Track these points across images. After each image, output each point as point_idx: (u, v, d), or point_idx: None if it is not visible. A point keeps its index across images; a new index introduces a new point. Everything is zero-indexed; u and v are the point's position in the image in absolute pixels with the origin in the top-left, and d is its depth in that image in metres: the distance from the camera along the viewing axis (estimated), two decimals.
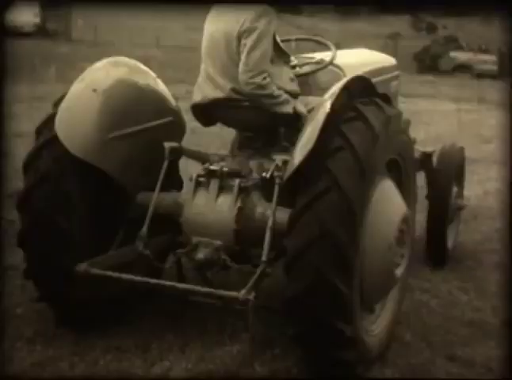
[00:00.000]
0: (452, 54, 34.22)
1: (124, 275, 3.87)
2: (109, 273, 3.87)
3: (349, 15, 62.82)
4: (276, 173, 3.89)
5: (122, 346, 4.10)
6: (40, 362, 3.92)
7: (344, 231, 3.42)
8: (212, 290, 3.75)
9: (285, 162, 3.82)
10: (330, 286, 3.43)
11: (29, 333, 4.19)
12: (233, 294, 3.59)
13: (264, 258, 3.73)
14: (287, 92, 4.21)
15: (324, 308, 3.49)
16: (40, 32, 33.53)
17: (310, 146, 3.51)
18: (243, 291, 3.54)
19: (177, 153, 4.29)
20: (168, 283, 3.91)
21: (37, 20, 34.78)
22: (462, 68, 32.83)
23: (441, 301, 4.98)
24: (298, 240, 3.50)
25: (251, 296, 3.53)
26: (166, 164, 4.21)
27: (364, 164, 3.50)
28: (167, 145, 4.21)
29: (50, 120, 4.05)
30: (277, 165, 3.90)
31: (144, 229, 4.05)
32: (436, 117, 14.53)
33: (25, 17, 31.93)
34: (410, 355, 4.18)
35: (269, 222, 3.81)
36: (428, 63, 34.71)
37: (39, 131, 4.14)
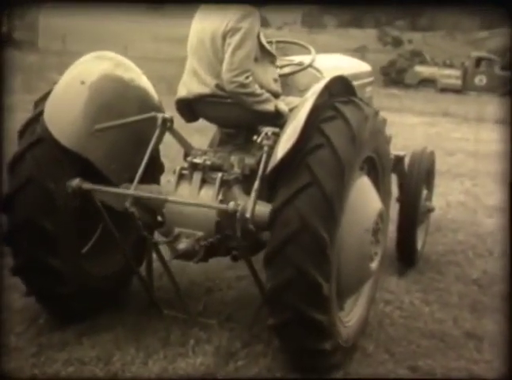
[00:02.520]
0: (417, 68, 34.68)
1: (116, 190, 4.10)
2: (101, 188, 4.08)
3: (315, 28, 63.38)
4: (265, 142, 3.97)
5: (84, 358, 4.04)
6: None
7: (323, 223, 3.55)
8: (202, 202, 4.05)
9: (274, 133, 3.94)
10: (308, 278, 3.56)
11: None
12: (222, 206, 3.84)
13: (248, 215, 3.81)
14: (269, 91, 4.29)
15: (303, 299, 3.61)
16: (7, 41, 33.17)
17: (293, 140, 3.61)
18: (232, 203, 3.74)
19: (169, 124, 4.33)
20: (169, 197, 4.10)
21: (4, 29, 34.40)
22: (427, 82, 33.30)
23: (403, 312, 5.01)
24: (278, 233, 3.62)
25: (239, 207, 3.71)
26: (157, 133, 4.30)
27: (344, 157, 3.65)
28: (160, 115, 4.31)
29: (48, 95, 4.19)
30: (266, 134, 3.99)
31: (132, 187, 4.13)
32: (401, 130, 14.66)
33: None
34: (373, 366, 4.20)
35: (259, 171, 3.91)
36: (394, 77, 35.13)
37: (37, 104, 4.26)
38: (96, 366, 3.98)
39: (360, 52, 39.43)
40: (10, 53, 25.35)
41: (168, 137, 4.51)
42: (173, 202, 4.12)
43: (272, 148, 3.88)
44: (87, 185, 4.00)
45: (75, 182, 3.95)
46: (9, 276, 4.89)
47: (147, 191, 4.28)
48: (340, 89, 4.12)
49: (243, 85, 4.12)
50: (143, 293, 4.69)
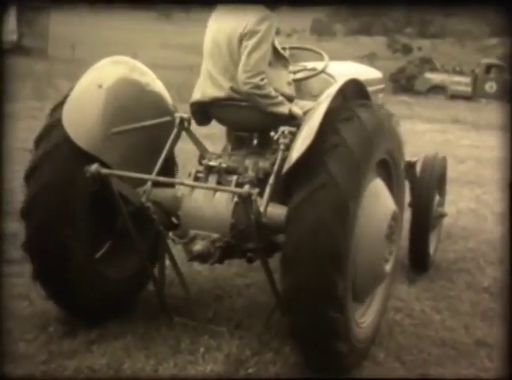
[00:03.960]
0: (427, 75, 34.60)
1: (134, 174, 4.13)
2: (119, 172, 4.11)
3: (325, 36, 63.47)
4: (281, 140, 4.06)
5: (94, 366, 4.03)
6: None
7: (339, 222, 3.58)
8: (217, 186, 4.18)
9: (291, 132, 4.02)
10: (325, 278, 3.58)
11: None
12: (237, 189, 3.89)
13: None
14: (283, 95, 4.32)
15: (319, 299, 3.63)
16: (17, 49, 33.34)
17: (308, 141, 3.64)
18: (246, 186, 3.76)
19: (186, 124, 4.46)
20: (187, 182, 4.23)
21: (14, 37, 34.61)
22: (436, 89, 33.21)
23: (414, 320, 4.99)
24: (295, 235, 3.64)
25: (254, 191, 3.75)
26: (174, 132, 4.41)
27: (358, 159, 3.70)
28: (178, 114, 4.43)
29: (63, 102, 4.24)
30: (283, 132, 4.08)
31: (149, 184, 4.22)
32: (411, 137, 14.61)
33: (2, 34, 31.71)
34: (384, 374, 4.18)
35: (275, 167, 4.00)
36: (403, 84, 35.07)
37: (53, 111, 4.30)
38: (106, 373, 3.98)
39: (369, 59, 39.43)
40: (20, 60, 25.52)
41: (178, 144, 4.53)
42: (188, 185, 4.20)
43: (287, 147, 3.94)
44: (105, 170, 4.02)
45: (94, 167, 3.96)
46: (19, 284, 4.93)
47: (162, 195, 4.32)
48: (354, 92, 4.20)
49: (258, 87, 4.16)
50: (152, 300, 4.70)
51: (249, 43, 4.16)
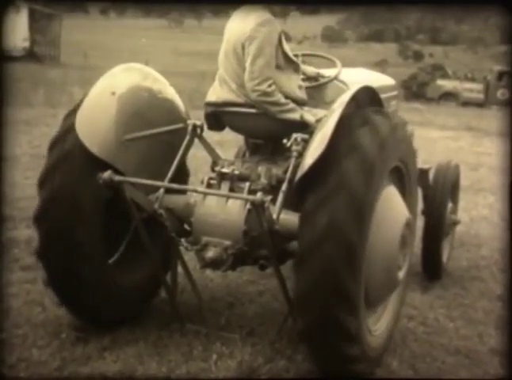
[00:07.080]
0: (439, 82, 34.56)
1: (146, 181, 4.15)
2: (132, 179, 4.11)
3: (336, 42, 63.60)
4: (294, 147, 4.06)
5: (106, 373, 4.04)
6: None
7: (353, 227, 3.57)
8: (230, 193, 4.18)
9: (304, 139, 4.02)
10: (338, 281, 3.57)
11: (12, 359, 4.11)
12: (250, 197, 3.86)
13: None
14: (294, 100, 4.32)
15: (332, 303, 3.62)
16: (29, 56, 33.55)
17: (322, 148, 3.63)
18: (259, 194, 3.74)
19: (199, 131, 4.48)
20: (200, 189, 4.23)
21: (26, 44, 34.82)
22: (448, 96, 33.17)
23: (428, 328, 4.96)
24: (309, 237, 3.62)
25: (267, 199, 3.75)
26: (187, 139, 4.43)
27: (372, 166, 3.67)
28: (190, 121, 4.45)
29: (76, 109, 4.24)
30: (295, 139, 4.07)
31: (161, 191, 4.24)
32: (423, 144, 14.54)
33: (14, 41, 31.94)
34: None
35: (288, 174, 4.02)
36: (415, 91, 35.02)
37: (66, 118, 4.29)
38: None
39: (380, 66, 39.44)
40: (33, 67, 25.68)
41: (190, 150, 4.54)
42: (201, 192, 4.21)
43: (300, 154, 3.94)
44: (118, 177, 4.03)
45: (107, 174, 3.97)
46: (32, 291, 4.94)
47: (175, 202, 4.33)
48: (367, 99, 4.19)
49: (266, 94, 4.16)
50: (164, 307, 4.69)
51: (250, 50, 4.18)
